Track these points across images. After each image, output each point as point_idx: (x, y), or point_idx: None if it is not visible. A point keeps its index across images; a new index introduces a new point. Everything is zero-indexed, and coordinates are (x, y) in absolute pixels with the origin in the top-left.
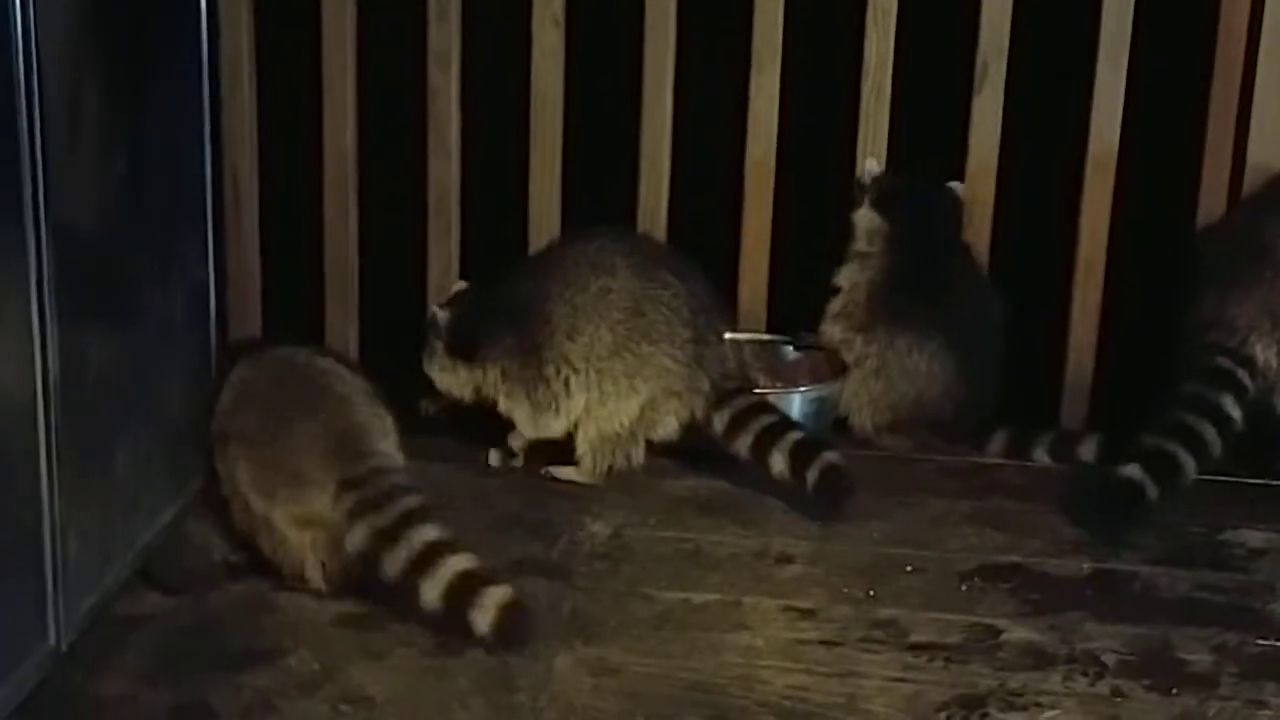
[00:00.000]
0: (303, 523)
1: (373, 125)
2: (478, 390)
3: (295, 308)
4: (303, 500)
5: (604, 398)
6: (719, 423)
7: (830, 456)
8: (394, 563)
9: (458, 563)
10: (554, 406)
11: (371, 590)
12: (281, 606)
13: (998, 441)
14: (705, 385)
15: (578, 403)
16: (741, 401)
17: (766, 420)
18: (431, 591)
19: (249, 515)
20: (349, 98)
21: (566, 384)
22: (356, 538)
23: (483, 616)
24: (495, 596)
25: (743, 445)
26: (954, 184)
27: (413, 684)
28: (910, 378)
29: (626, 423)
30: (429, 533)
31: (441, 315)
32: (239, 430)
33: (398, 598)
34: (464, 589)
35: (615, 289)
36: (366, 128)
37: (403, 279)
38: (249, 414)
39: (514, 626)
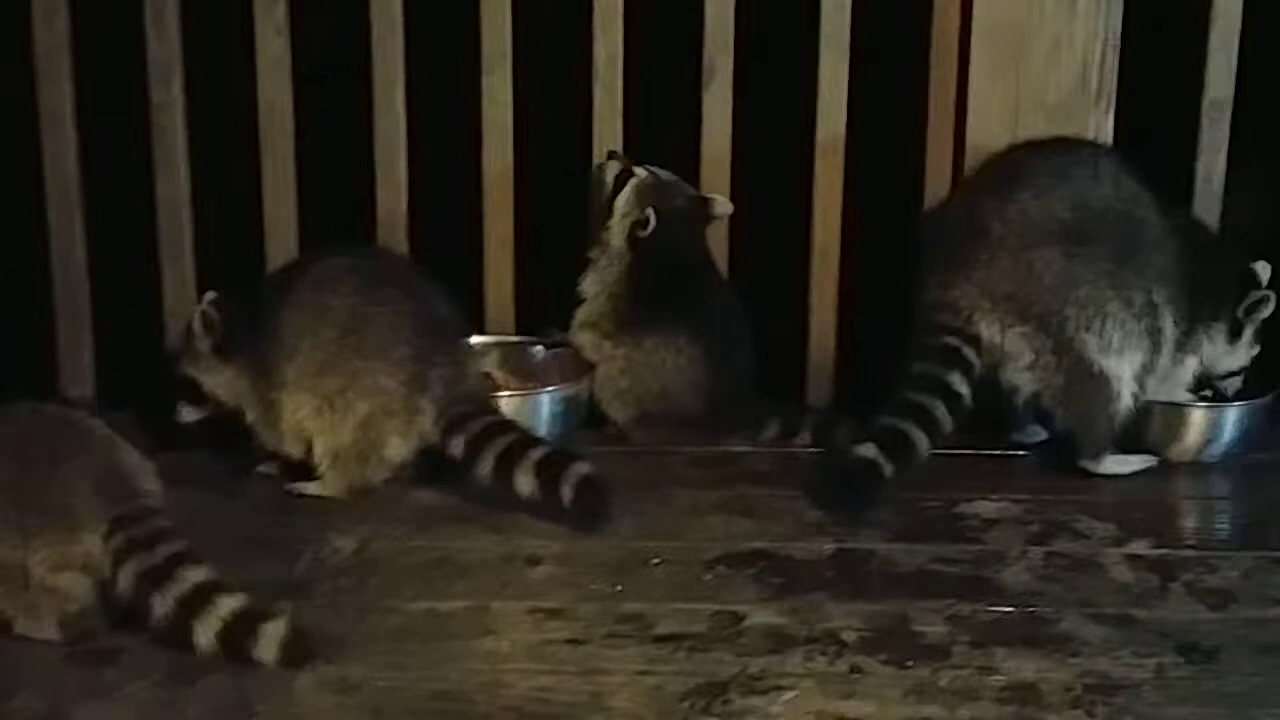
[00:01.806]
0: (63, 566)
1: (96, 142)
2: (237, 395)
3: (26, 337)
4: (72, 540)
5: (319, 412)
6: (455, 448)
7: (581, 468)
8: (163, 603)
9: (229, 602)
10: (274, 423)
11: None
12: (8, 648)
13: (771, 429)
14: (426, 405)
15: (294, 419)
16: (476, 425)
17: (505, 440)
18: (205, 633)
19: None
20: (68, 115)
21: (281, 401)
22: (124, 576)
23: (266, 650)
24: (274, 630)
25: (484, 469)
26: (717, 200)
27: (143, 717)
28: (656, 373)
29: (350, 439)
30: (199, 574)
31: (213, 313)
32: None
33: (130, 630)
34: (240, 627)
35: (334, 306)
36: (89, 144)
37: (138, 300)
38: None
39: (299, 652)
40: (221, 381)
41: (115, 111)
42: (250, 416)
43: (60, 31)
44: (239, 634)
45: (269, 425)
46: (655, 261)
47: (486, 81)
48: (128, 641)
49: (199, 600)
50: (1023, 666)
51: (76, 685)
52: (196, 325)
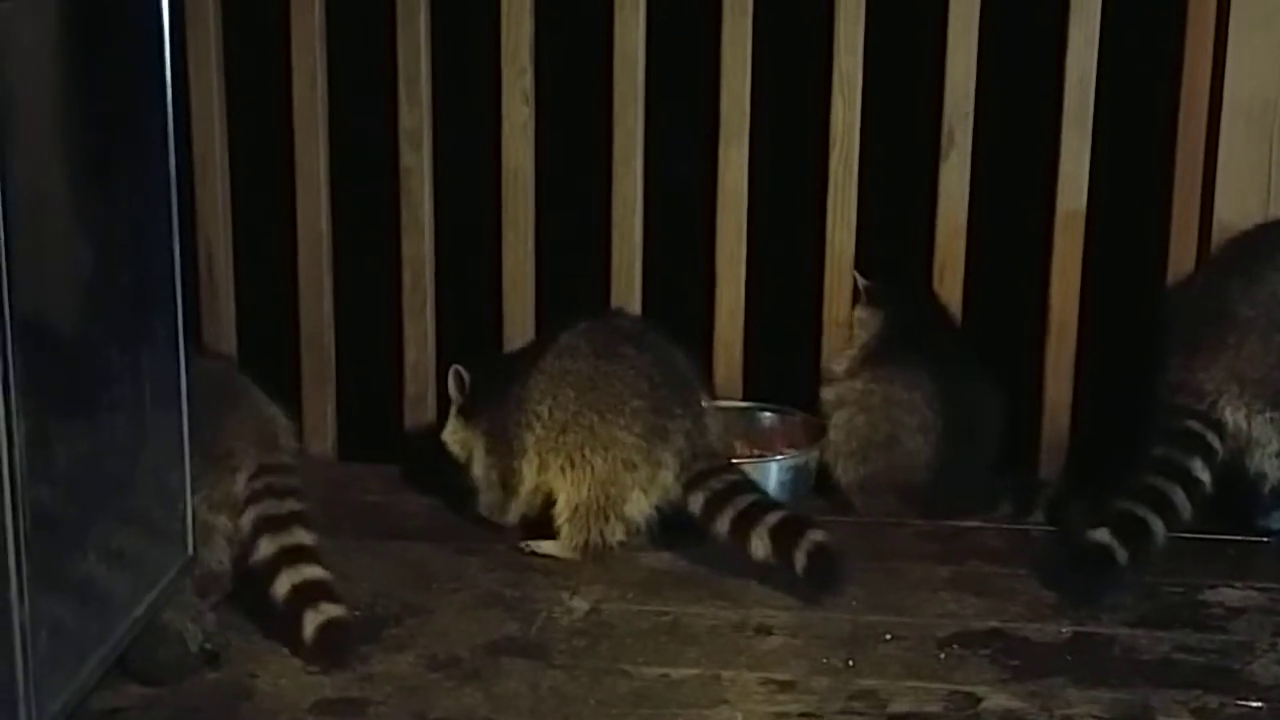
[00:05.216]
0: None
1: (346, 204)
2: (470, 453)
3: (272, 388)
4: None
5: (561, 471)
6: (695, 504)
7: (816, 536)
8: (269, 545)
9: (314, 571)
10: (515, 489)
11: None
12: (258, 693)
13: (1003, 507)
14: (666, 457)
15: (536, 481)
16: (717, 482)
17: (745, 501)
18: (283, 585)
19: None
20: (322, 177)
21: (520, 468)
22: (249, 516)
23: (308, 625)
24: (326, 611)
25: (721, 527)
26: None
27: None
28: (888, 429)
29: (588, 495)
30: (306, 536)
31: (465, 372)
32: None
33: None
34: (307, 594)
35: (573, 369)
36: (339, 206)
37: (379, 357)
38: None
39: (332, 642)
40: (459, 439)
41: (365, 172)
42: (476, 472)
43: (317, 94)
44: (302, 599)
45: (505, 489)
46: (898, 326)
47: (724, 151)
48: (373, 693)
49: (293, 557)
50: None
51: None
52: (450, 384)
